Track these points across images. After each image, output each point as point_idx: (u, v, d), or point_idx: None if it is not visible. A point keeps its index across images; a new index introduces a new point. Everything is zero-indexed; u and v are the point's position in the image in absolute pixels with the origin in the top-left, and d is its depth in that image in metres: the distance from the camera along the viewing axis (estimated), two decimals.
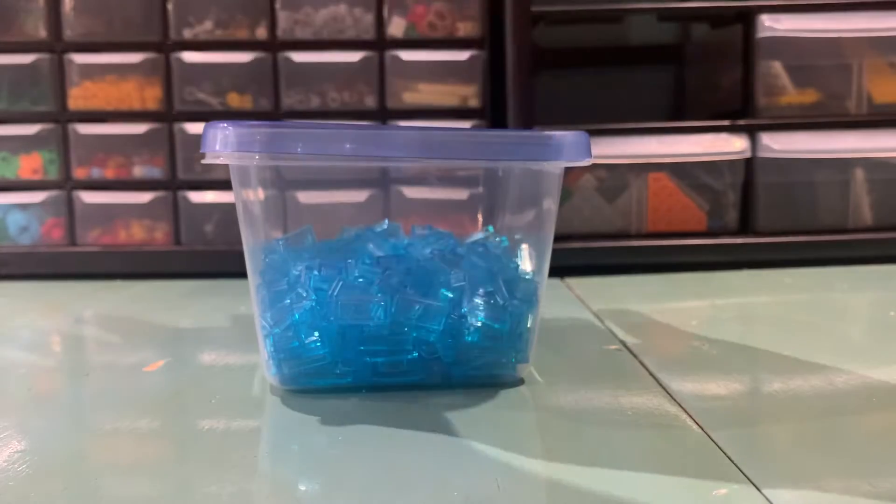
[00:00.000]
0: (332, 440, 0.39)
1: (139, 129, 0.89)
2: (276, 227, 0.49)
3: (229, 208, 0.45)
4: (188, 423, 0.43)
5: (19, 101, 0.90)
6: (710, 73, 0.99)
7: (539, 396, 0.46)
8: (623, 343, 0.57)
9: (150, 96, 0.89)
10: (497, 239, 0.52)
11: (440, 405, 0.44)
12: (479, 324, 0.45)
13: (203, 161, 0.41)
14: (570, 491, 0.34)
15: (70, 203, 0.90)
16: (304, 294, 0.44)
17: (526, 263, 0.49)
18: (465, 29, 0.89)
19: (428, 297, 0.44)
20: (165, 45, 0.88)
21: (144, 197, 0.90)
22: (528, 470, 0.36)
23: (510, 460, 0.37)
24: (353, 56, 0.88)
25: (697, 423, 0.41)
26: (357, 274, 0.45)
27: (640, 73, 1.07)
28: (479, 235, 0.54)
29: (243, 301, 0.51)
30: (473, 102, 0.89)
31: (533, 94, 0.85)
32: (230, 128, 0.40)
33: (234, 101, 0.89)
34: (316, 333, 0.44)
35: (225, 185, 0.89)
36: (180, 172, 0.90)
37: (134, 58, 0.88)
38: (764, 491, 0.33)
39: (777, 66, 0.88)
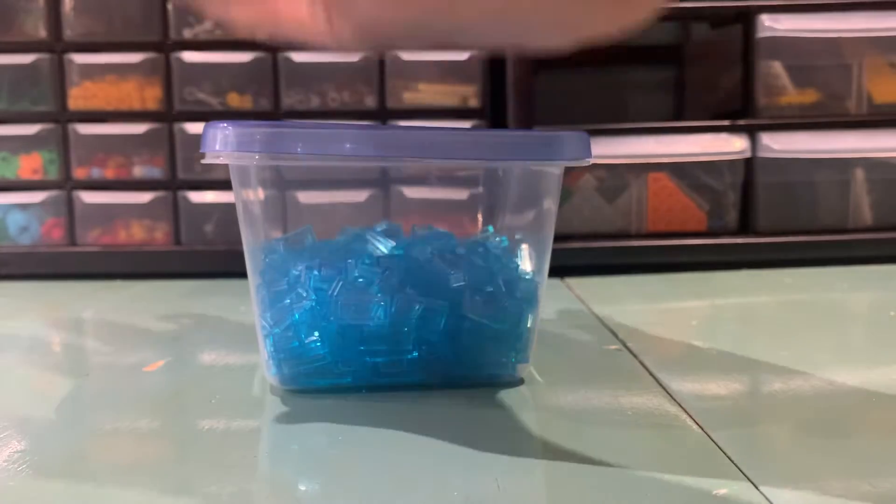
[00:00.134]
0: (332, 440, 0.39)
1: (139, 129, 0.89)
2: (276, 227, 0.49)
3: (229, 208, 0.45)
4: (188, 423, 0.43)
5: (19, 100, 0.90)
6: (710, 73, 0.99)
7: (539, 396, 0.46)
8: (623, 343, 0.57)
9: (150, 96, 0.89)
10: (497, 239, 0.52)
11: (440, 405, 0.44)
12: (479, 324, 0.45)
13: (203, 161, 0.41)
14: (570, 491, 0.34)
15: (70, 203, 0.90)
16: (304, 294, 0.44)
17: (526, 263, 0.49)
18: None
19: (428, 297, 0.44)
20: (165, 45, 0.88)
21: (144, 197, 0.90)
22: (528, 470, 0.36)
23: (510, 460, 0.37)
24: (353, 56, 0.88)
25: (697, 423, 0.41)
26: (357, 274, 0.45)
27: (640, 73, 1.07)
28: (479, 235, 0.54)
29: (243, 301, 0.51)
30: (473, 102, 0.89)
31: (533, 94, 0.85)
32: (230, 128, 0.40)
33: (234, 101, 0.89)
34: (316, 333, 0.44)
35: (225, 184, 0.89)
36: (180, 172, 0.90)
37: (134, 58, 0.88)
38: (764, 491, 0.33)
39: (777, 66, 0.88)
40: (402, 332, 0.44)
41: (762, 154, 0.88)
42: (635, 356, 0.53)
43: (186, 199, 0.90)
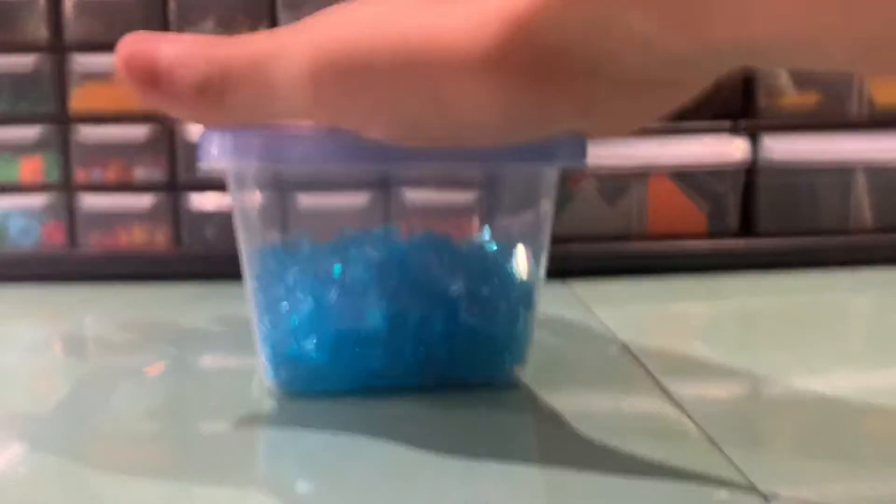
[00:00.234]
0: (330, 443, 0.39)
1: (141, 131, 0.89)
2: (274, 231, 0.49)
3: (230, 211, 0.45)
4: (187, 426, 0.43)
5: (20, 102, 0.90)
6: None
7: (537, 399, 0.46)
8: (624, 345, 0.57)
9: None
10: (494, 241, 0.52)
11: (437, 408, 0.44)
12: (476, 326, 0.45)
13: (199, 166, 0.41)
14: (570, 493, 0.33)
15: (71, 206, 0.90)
16: (302, 298, 0.44)
17: (523, 266, 0.49)
18: None
19: (425, 301, 0.44)
20: None
21: (145, 200, 0.90)
22: (527, 473, 0.36)
23: (508, 463, 0.37)
24: None
25: (699, 427, 0.41)
26: (354, 278, 0.45)
27: None
28: (476, 238, 0.54)
29: (244, 304, 0.50)
30: None
31: None
32: (227, 133, 0.40)
33: None
34: (313, 338, 0.44)
35: (226, 188, 0.88)
36: (182, 176, 0.90)
37: None
38: (764, 491, 0.33)
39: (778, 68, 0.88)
40: (399, 336, 0.44)
41: (763, 156, 0.88)
42: (636, 358, 0.53)
43: (187, 203, 0.90)
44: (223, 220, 0.89)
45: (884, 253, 0.87)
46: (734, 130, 0.88)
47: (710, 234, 0.89)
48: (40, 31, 0.89)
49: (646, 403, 0.45)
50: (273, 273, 0.46)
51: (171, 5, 0.88)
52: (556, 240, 0.50)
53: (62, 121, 0.89)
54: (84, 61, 0.88)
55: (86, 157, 0.90)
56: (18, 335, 0.65)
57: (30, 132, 0.89)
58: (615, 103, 0.35)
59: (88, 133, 0.90)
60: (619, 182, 0.88)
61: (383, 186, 0.81)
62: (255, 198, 0.46)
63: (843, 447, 0.38)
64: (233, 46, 0.36)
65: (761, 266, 0.86)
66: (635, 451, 0.38)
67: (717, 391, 0.47)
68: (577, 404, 0.45)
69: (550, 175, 0.47)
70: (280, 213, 0.51)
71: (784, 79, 0.88)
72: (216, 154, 0.40)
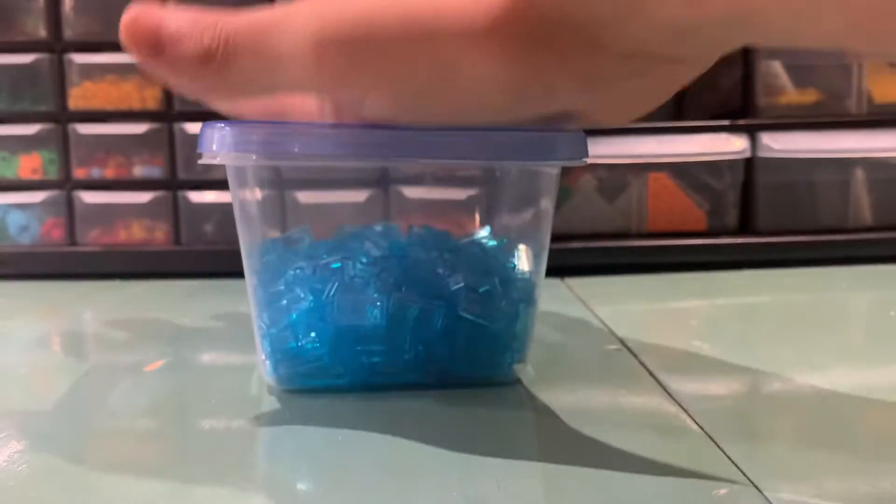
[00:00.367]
0: (330, 440, 0.39)
1: (139, 128, 0.89)
2: (274, 227, 0.49)
3: (229, 208, 0.45)
4: (188, 423, 0.43)
5: (19, 100, 0.90)
6: (710, 73, 0.99)
7: (537, 396, 0.46)
8: (623, 343, 0.57)
9: (150, 96, 0.89)
10: (494, 239, 0.52)
11: (437, 405, 0.44)
12: (476, 324, 0.45)
13: (200, 161, 0.41)
14: (570, 491, 0.33)
15: (70, 203, 0.90)
16: (301, 294, 0.44)
17: (523, 263, 0.49)
18: None
19: (425, 297, 0.44)
20: None
21: (144, 197, 0.90)
22: (527, 470, 0.36)
23: (509, 461, 0.37)
24: None
25: (697, 423, 0.41)
26: (354, 274, 0.45)
27: None
28: (476, 235, 0.54)
29: (243, 301, 0.51)
30: None
31: None
32: (227, 128, 0.40)
33: None
34: (313, 334, 0.44)
35: (225, 184, 0.88)
36: (181, 172, 0.90)
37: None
38: (764, 491, 0.33)
39: (777, 66, 0.88)
40: (398, 332, 0.44)
41: (762, 154, 0.88)
42: (635, 356, 0.53)
43: (186, 199, 0.90)
44: (222, 217, 0.89)
45: (883, 250, 0.87)
46: (733, 128, 0.88)
47: (710, 232, 0.89)
48: (39, 29, 0.89)
49: (645, 401, 0.45)
50: (273, 269, 0.46)
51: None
52: (556, 237, 0.50)
53: (61, 118, 0.89)
54: (83, 60, 0.88)
55: (84, 155, 0.90)
56: (18, 332, 0.65)
57: (29, 130, 0.89)
58: (616, 80, 0.35)
59: (87, 130, 0.89)
60: (619, 180, 0.88)
61: (383, 183, 0.81)
62: (255, 194, 0.46)
63: (842, 444, 0.39)
64: (238, 16, 0.36)
65: (760, 263, 0.86)
66: (634, 448, 0.38)
67: (716, 388, 0.47)
68: (576, 402, 0.45)
69: (550, 173, 0.47)
70: (280, 209, 0.51)
71: (784, 78, 0.89)
72: (216, 149, 0.40)
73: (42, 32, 0.89)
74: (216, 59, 0.35)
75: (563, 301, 0.72)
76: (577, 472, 0.35)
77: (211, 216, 0.90)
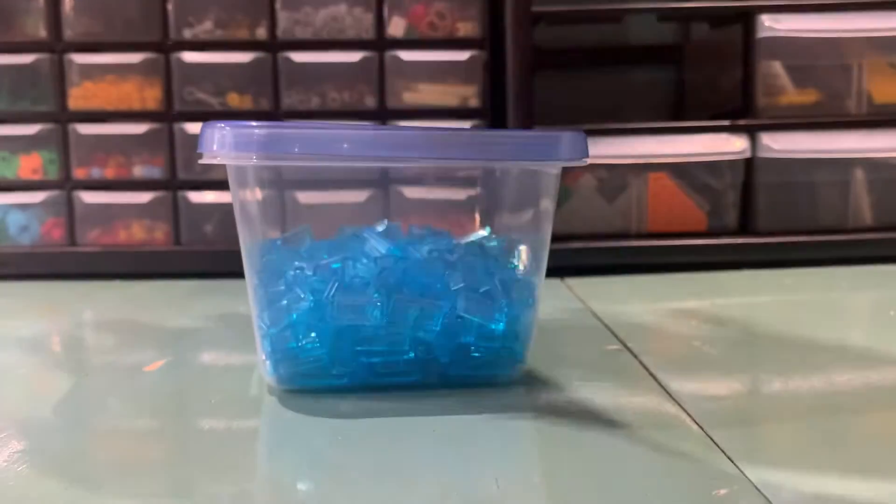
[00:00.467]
0: (330, 440, 0.39)
1: (139, 129, 0.89)
2: (274, 227, 0.49)
3: (229, 208, 0.45)
4: (188, 423, 0.43)
5: (19, 100, 0.90)
6: (710, 73, 0.99)
7: (537, 396, 0.46)
8: (623, 343, 0.57)
9: (150, 96, 0.89)
10: (494, 239, 0.52)
11: (437, 405, 0.44)
12: (476, 324, 0.45)
13: (200, 161, 0.41)
14: (570, 491, 0.33)
15: (70, 203, 0.90)
16: (302, 294, 0.44)
17: (523, 263, 0.49)
18: (465, 29, 0.89)
19: (425, 297, 0.44)
20: (165, 45, 0.88)
21: (144, 197, 0.90)
22: (528, 470, 0.36)
23: (509, 460, 0.37)
24: (353, 56, 0.88)
25: (697, 424, 0.41)
26: (354, 274, 0.45)
27: (640, 73, 1.07)
28: (476, 235, 0.54)
29: (243, 301, 0.51)
30: (473, 102, 0.89)
31: (533, 94, 0.85)
32: (227, 128, 0.40)
33: (234, 101, 0.89)
34: (313, 334, 0.44)
35: (225, 184, 0.88)
36: (180, 172, 0.90)
37: (134, 58, 0.88)
38: (764, 491, 0.33)
39: (777, 66, 0.88)
40: (398, 332, 0.44)
41: (762, 154, 0.88)
42: (635, 356, 0.53)
43: (186, 199, 0.90)
44: (222, 217, 0.89)
45: (883, 250, 0.87)
46: (733, 128, 0.88)
47: (710, 232, 0.89)
48: (39, 29, 0.89)
49: (645, 401, 0.45)
50: (273, 270, 0.46)
51: (170, 5, 0.88)
52: (556, 237, 0.50)
53: (61, 118, 0.89)
54: (83, 60, 0.88)
55: (84, 155, 0.90)
56: (18, 332, 0.65)
57: (29, 130, 0.89)
58: None
59: (87, 130, 0.89)
60: (619, 180, 0.88)
61: (383, 183, 0.81)
62: (256, 194, 0.46)
63: (842, 444, 0.39)
64: None
65: (760, 263, 0.86)
66: (634, 448, 0.38)
67: (716, 388, 0.47)
68: (576, 402, 0.45)
69: (550, 173, 0.47)
70: (280, 209, 0.51)
71: (784, 79, 0.89)
72: (216, 149, 0.40)
73: (42, 32, 0.89)
74: None
75: (563, 301, 0.72)
76: (578, 471, 0.35)
77: (211, 216, 0.90)
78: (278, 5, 0.88)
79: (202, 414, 0.43)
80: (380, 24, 0.88)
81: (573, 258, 0.85)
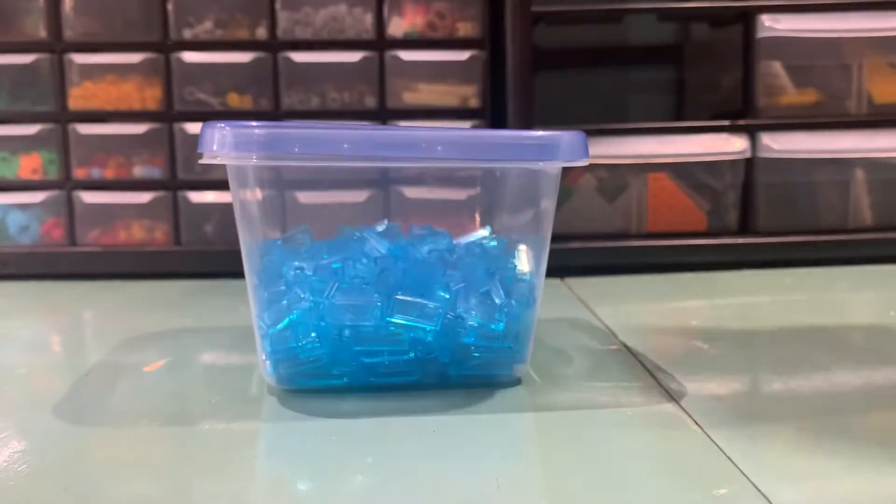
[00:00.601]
0: (330, 440, 0.39)
1: (139, 129, 0.89)
2: (274, 227, 0.49)
3: (229, 208, 0.45)
4: (188, 423, 0.43)
5: (19, 101, 0.90)
6: (710, 73, 0.99)
7: (537, 396, 0.46)
8: (623, 343, 0.57)
9: (150, 96, 0.89)
10: (494, 239, 0.52)
11: (437, 405, 0.44)
12: (476, 324, 0.45)
13: (200, 161, 0.41)
14: (570, 491, 0.34)
15: (70, 203, 0.90)
16: (301, 294, 0.44)
17: (523, 263, 0.49)
18: (465, 29, 0.89)
19: (425, 297, 0.44)
20: (165, 45, 0.88)
21: (144, 197, 0.90)
22: (528, 470, 0.36)
23: (509, 460, 0.37)
24: (353, 56, 0.88)
25: (697, 423, 0.41)
26: (354, 274, 0.45)
27: (640, 73, 1.07)
28: (476, 235, 0.54)
29: (243, 301, 0.51)
30: (473, 102, 0.89)
31: (533, 94, 0.85)
32: (227, 128, 0.40)
33: (234, 101, 0.89)
34: (313, 334, 0.44)
35: (225, 184, 0.88)
36: (180, 172, 0.90)
37: (134, 58, 0.88)
38: (764, 491, 0.33)
39: (777, 66, 0.88)
40: (398, 332, 0.44)
41: (762, 154, 0.88)
42: (635, 356, 0.53)
43: (186, 200, 0.90)
44: (222, 217, 0.89)
45: (883, 250, 0.87)
46: (733, 128, 0.88)
47: (710, 232, 0.89)
48: (39, 29, 0.89)
49: (645, 401, 0.45)
50: (273, 270, 0.46)
51: (170, 5, 0.88)
52: (556, 237, 0.50)
53: (61, 118, 0.89)
54: (83, 60, 0.88)
55: (84, 155, 0.90)
56: (18, 332, 0.65)
57: (29, 130, 0.89)
58: None
59: (87, 130, 0.89)
60: (619, 180, 0.88)
61: (383, 183, 0.81)
62: (256, 194, 0.46)
63: (842, 443, 0.39)
64: None
65: (760, 263, 0.86)
66: (635, 448, 0.38)
67: (716, 388, 0.47)
68: (576, 402, 0.45)
69: (550, 173, 0.47)
70: (280, 209, 0.52)
71: (784, 79, 0.89)
72: (216, 149, 0.40)
73: (42, 32, 0.89)
74: None
75: (563, 301, 0.72)
76: (578, 471, 0.35)
77: (211, 216, 0.90)
78: (278, 5, 0.88)
79: (202, 414, 0.44)
80: (380, 24, 0.88)
81: (573, 258, 0.85)
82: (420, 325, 0.44)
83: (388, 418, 0.42)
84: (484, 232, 0.54)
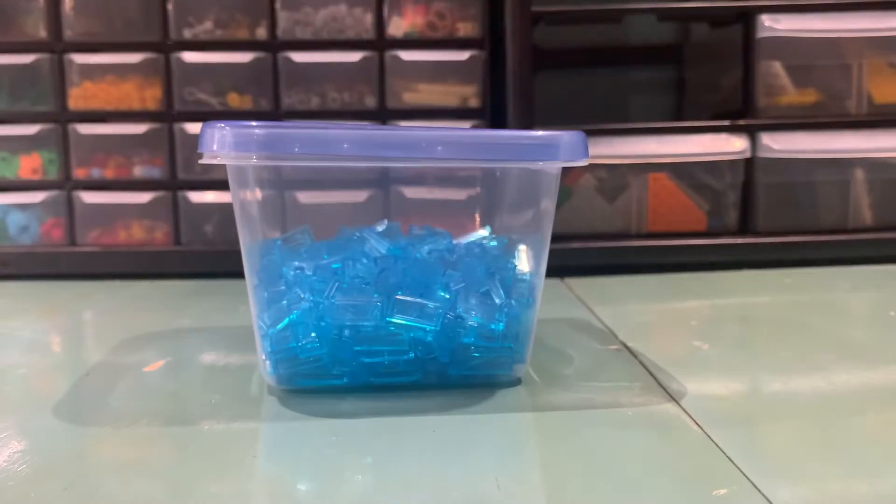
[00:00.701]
0: (330, 440, 0.39)
1: (139, 129, 0.89)
2: (274, 227, 0.49)
3: (229, 208, 0.45)
4: (188, 423, 0.43)
5: (19, 101, 0.90)
6: (710, 73, 0.99)
7: (537, 396, 0.46)
8: (623, 343, 0.57)
9: (150, 96, 0.89)
10: (494, 239, 0.52)
11: (437, 405, 0.44)
12: (476, 324, 0.45)
13: (200, 161, 0.41)
14: (570, 491, 0.34)
15: (70, 203, 0.90)
16: (302, 294, 0.44)
17: (523, 263, 0.49)
18: (465, 29, 0.89)
19: (425, 297, 0.44)
20: (165, 45, 0.88)
21: (144, 197, 0.90)
22: (528, 470, 0.36)
23: (509, 460, 0.37)
24: (353, 56, 0.88)
25: (697, 424, 0.41)
26: (354, 274, 0.45)
27: (640, 73, 1.07)
28: (476, 235, 0.54)
29: (243, 301, 0.51)
30: (473, 102, 0.89)
31: (533, 94, 0.85)
32: (227, 128, 0.40)
33: (234, 101, 0.89)
34: (313, 334, 0.44)
35: (225, 184, 0.88)
36: (180, 172, 0.90)
37: (134, 58, 0.88)
38: (764, 491, 0.33)
39: (777, 66, 0.88)
40: (398, 332, 0.44)
41: (762, 154, 0.88)
42: (635, 356, 0.53)
43: (186, 200, 0.90)
44: (222, 217, 0.89)
45: (883, 250, 0.87)
46: (733, 128, 0.88)
47: (710, 232, 0.89)
48: (39, 29, 0.89)
49: (645, 400, 0.45)
50: (273, 270, 0.46)
51: (170, 5, 0.88)
52: (556, 237, 0.50)
53: (61, 118, 0.89)
54: (83, 60, 0.88)
55: (84, 155, 0.90)
56: (18, 332, 0.65)
57: (29, 130, 0.89)
58: None
59: (87, 130, 0.89)
60: (619, 180, 0.88)
61: (383, 183, 0.81)
62: (256, 194, 0.46)
63: (842, 444, 0.39)
64: None
65: (760, 263, 0.86)
66: (635, 448, 0.38)
67: (716, 388, 0.47)
68: (576, 402, 0.45)
69: (550, 173, 0.47)
70: (280, 209, 0.52)
71: (784, 79, 0.89)
72: (216, 149, 0.40)
73: (42, 32, 0.89)
74: None
75: (563, 301, 0.72)
76: (578, 471, 0.35)
77: (211, 216, 0.90)
78: (278, 5, 0.88)
79: (202, 414, 0.43)
80: (380, 24, 0.88)
81: (573, 258, 0.85)
82: (420, 325, 0.44)
83: (388, 418, 0.42)
84: (484, 232, 0.54)
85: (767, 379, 0.50)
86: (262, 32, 0.88)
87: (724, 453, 0.37)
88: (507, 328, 0.46)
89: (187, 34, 0.88)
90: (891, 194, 0.89)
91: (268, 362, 0.46)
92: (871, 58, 0.88)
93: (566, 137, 0.42)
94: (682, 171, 0.88)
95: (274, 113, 0.88)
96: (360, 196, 0.79)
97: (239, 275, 0.46)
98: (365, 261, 0.45)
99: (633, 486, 0.34)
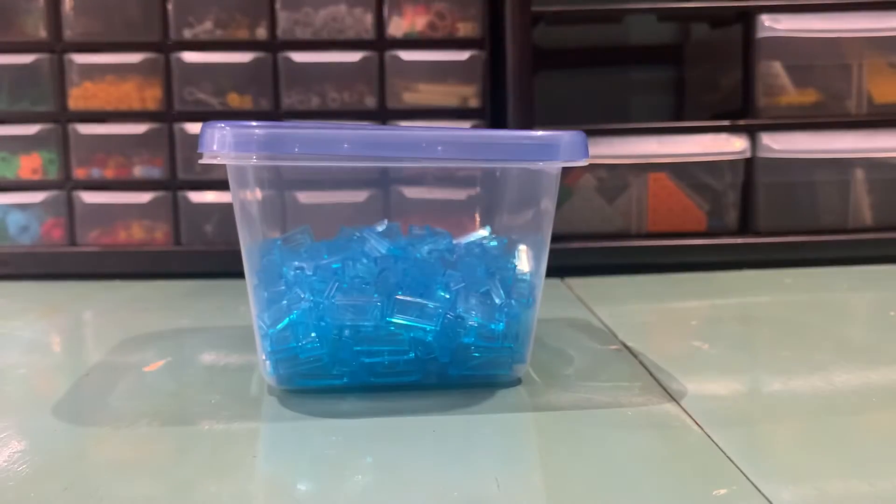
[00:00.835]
0: (330, 440, 0.39)
1: (139, 129, 0.89)
2: (274, 227, 0.49)
3: (229, 208, 0.45)
4: (188, 423, 0.43)
5: (19, 101, 0.90)
6: (710, 73, 0.99)
7: (537, 396, 0.46)
8: (623, 343, 0.57)
9: (150, 96, 0.89)
10: (494, 239, 0.52)
11: (437, 405, 0.44)
12: (476, 324, 0.45)
13: (200, 161, 0.41)
14: (570, 491, 0.34)
15: (70, 203, 0.90)
16: (302, 294, 0.44)
17: (523, 263, 0.49)
18: (465, 29, 0.89)
19: (425, 297, 0.44)
20: (165, 45, 0.88)
21: (144, 197, 0.90)
22: (528, 470, 0.36)
23: (509, 460, 0.37)
24: (353, 56, 0.88)
25: (697, 423, 0.41)
26: (354, 274, 0.45)
27: (640, 73, 1.07)
28: (476, 235, 0.54)
29: (243, 301, 0.51)
30: (473, 102, 0.89)
31: (533, 94, 0.85)
32: (227, 128, 0.40)
33: (234, 101, 0.89)
34: (313, 334, 0.44)
35: (225, 184, 0.88)
36: (180, 172, 0.90)
37: (134, 58, 0.88)
38: (764, 491, 0.33)
39: (777, 66, 0.88)
40: (398, 332, 0.44)
41: (762, 154, 0.88)
42: (635, 356, 0.53)
43: (186, 200, 0.90)
44: (222, 217, 0.89)
45: (883, 250, 0.87)
46: (733, 128, 0.88)
47: (710, 232, 0.89)
48: (39, 29, 0.89)
49: (645, 400, 0.45)
50: (273, 270, 0.46)
51: (170, 5, 0.88)
52: (556, 237, 0.50)
53: (61, 118, 0.89)
54: (83, 60, 0.88)
55: (84, 155, 0.90)
56: (18, 332, 0.65)
57: (29, 130, 0.89)
58: None
59: (87, 130, 0.89)
60: (619, 180, 0.88)
61: (383, 183, 0.81)
62: (256, 194, 0.46)
63: (842, 444, 0.39)
64: None
65: (760, 263, 0.87)
66: (635, 448, 0.38)
67: (716, 388, 0.47)
68: (576, 402, 0.45)
69: (550, 173, 0.47)
70: (280, 209, 0.52)
71: (784, 79, 0.89)
72: (216, 149, 0.40)
73: (42, 32, 0.89)
74: None
75: (563, 301, 0.72)
76: (577, 471, 0.35)
77: (211, 216, 0.90)
78: (278, 5, 0.88)
79: (202, 414, 0.43)
80: (380, 24, 0.88)
81: (573, 258, 0.85)
82: (420, 325, 0.44)
83: (388, 418, 0.42)
84: (484, 232, 0.54)
85: (767, 379, 0.50)
86: (262, 32, 0.88)
87: (724, 453, 0.37)
88: (507, 328, 0.46)
89: (187, 34, 0.88)
90: (891, 194, 0.89)
91: (268, 362, 0.46)
92: (871, 58, 0.88)
93: (566, 137, 0.42)
94: (682, 171, 0.88)
95: (274, 113, 0.88)
96: (360, 196, 0.79)
97: (239, 275, 0.46)
98: (365, 261, 0.45)
99: (633, 486, 0.34)
